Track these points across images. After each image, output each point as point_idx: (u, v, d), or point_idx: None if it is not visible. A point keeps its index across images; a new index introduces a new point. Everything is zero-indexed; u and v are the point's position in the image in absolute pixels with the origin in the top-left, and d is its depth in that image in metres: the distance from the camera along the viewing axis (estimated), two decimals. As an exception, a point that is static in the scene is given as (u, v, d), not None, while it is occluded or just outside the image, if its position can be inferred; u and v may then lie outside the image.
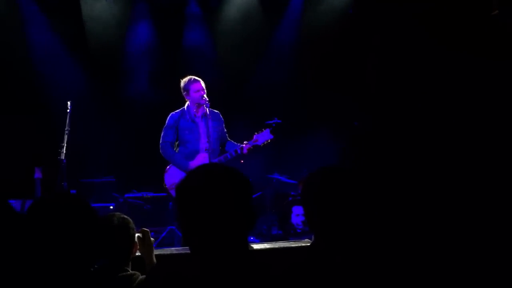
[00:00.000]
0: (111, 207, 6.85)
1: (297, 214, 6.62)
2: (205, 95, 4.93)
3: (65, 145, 5.04)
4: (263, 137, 5.01)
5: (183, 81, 5.07)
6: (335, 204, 1.75)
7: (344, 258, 1.70)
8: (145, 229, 2.73)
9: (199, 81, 5.03)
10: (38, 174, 5.86)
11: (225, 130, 5.25)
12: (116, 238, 2.45)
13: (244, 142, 5.02)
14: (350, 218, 1.74)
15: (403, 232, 3.21)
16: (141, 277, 2.42)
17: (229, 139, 5.24)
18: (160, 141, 5.12)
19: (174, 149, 5.14)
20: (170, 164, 5.13)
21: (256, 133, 5.05)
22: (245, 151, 4.95)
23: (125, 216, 2.56)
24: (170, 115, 5.14)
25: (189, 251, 1.61)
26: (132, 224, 2.55)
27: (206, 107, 4.89)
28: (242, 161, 5.01)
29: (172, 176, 5.12)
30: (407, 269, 1.80)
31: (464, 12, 6.44)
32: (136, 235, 2.60)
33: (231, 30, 8.08)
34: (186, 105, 5.11)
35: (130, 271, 2.43)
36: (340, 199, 1.75)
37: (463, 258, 2.82)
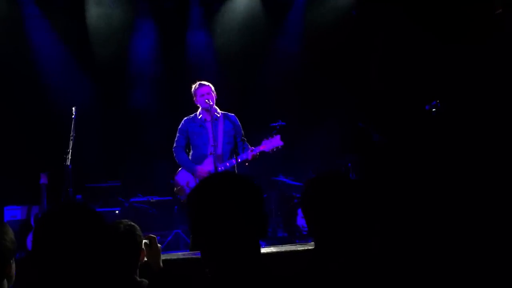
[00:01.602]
0: (117, 212, 6.87)
1: (303, 216, 6.59)
2: (209, 99, 4.92)
3: (71, 150, 5.05)
4: (271, 143, 4.85)
5: (192, 87, 5.09)
6: (333, 210, 1.79)
7: (343, 264, 1.73)
8: (152, 235, 2.73)
9: (204, 85, 5.03)
10: (43, 180, 5.88)
11: (243, 132, 5.15)
12: (123, 245, 2.45)
13: (250, 148, 4.94)
14: (348, 224, 1.78)
15: (403, 236, 3.20)
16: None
17: (243, 141, 5.13)
18: (173, 145, 5.14)
19: (187, 152, 5.14)
20: (181, 168, 5.13)
21: (265, 138, 4.90)
22: (249, 157, 4.86)
23: (132, 223, 2.56)
24: (183, 120, 5.16)
25: (196, 256, 1.62)
26: (139, 231, 2.54)
27: (212, 111, 4.89)
28: (247, 164, 4.98)
29: (180, 179, 5.12)
30: (406, 274, 1.82)
31: (466, 11, 6.44)
32: (143, 241, 2.60)
33: (234, 33, 8.09)
34: (198, 109, 5.12)
35: (138, 279, 2.43)
36: (337, 206, 1.79)
37: (463, 263, 2.82)
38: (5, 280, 1.87)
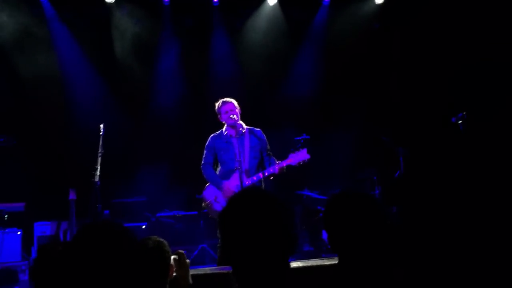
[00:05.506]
0: (143, 227, 6.93)
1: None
2: (233, 115, 4.96)
3: (99, 167, 5.12)
4: (298, 157, 4.82)
5: (216, 105, 5.14)
6: (356, 227, 1.83)
7: (367, 280, 1.76)
8: (181, 251, 2.76)
9: (228, 102, 5.07)
10: (72, 196, 5.96)
11: (268, 147, 5.16)
12: (152, 261, 2.48)
13: (277, 162, 4.93)
14: (371, 240, 1.81)
15: (424, 249, 3.16)
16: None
17: (269, 155, 5.12)
18: (201, 163, 5.18)
19: (215, 169, 5.18)
20: (209, 183, 5.17)
21: (291, 152, 4.87)
22: (276, 170, 4.85)
23: (161, 239, 2.59)
24: (209, 137, 5.20)
25: (223, 271, 1.64)
26: (167, 247, 2.58)
27: (237, 127, 4.94)
28: (271, 178, 4.97)
29: (208, 194, 5.14)
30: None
31: (491, 22, 6.37)
32: (172, 257, 2.63)
33: (257, 48, 8.14)
34: (224, 126, 5.17)
35: (168, 294, 2.46)
36: (360, 223, 1.83)
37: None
38: None
